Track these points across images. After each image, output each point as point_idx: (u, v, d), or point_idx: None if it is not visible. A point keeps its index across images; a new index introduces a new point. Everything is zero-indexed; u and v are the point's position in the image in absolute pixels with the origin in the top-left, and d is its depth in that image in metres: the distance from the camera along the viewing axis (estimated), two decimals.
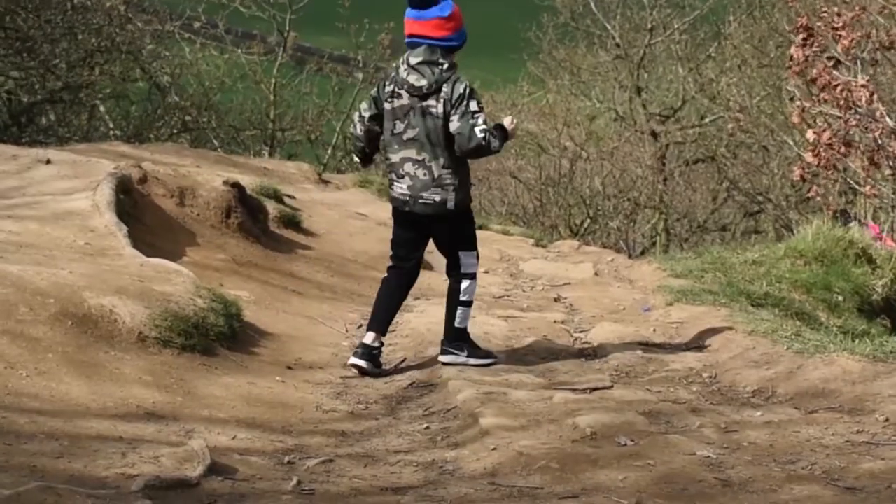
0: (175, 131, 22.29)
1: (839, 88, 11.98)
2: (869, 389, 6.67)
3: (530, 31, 29.99)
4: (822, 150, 12.02)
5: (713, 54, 27.79)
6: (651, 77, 28.95)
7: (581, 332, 8.71)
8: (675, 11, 28.14)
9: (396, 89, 7.30)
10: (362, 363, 7.38)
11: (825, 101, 12.12)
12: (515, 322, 8.48)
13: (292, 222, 11.22)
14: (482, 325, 8.48)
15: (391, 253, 7.66)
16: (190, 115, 22.55)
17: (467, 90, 7.17)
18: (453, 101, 7.15)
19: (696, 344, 8.22)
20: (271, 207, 11.06)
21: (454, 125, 7.15)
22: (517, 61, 30.61)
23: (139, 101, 22.75)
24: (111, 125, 21.96)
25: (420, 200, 7.29)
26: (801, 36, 12.41)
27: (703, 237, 26.74)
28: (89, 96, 20.88)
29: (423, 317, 8.83)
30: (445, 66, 7.22)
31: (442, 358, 7.52)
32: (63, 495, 4.52)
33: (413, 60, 7.25)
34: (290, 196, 12.31)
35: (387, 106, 7.34)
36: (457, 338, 7.52)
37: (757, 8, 26.65)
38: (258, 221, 10.55)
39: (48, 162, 10.54)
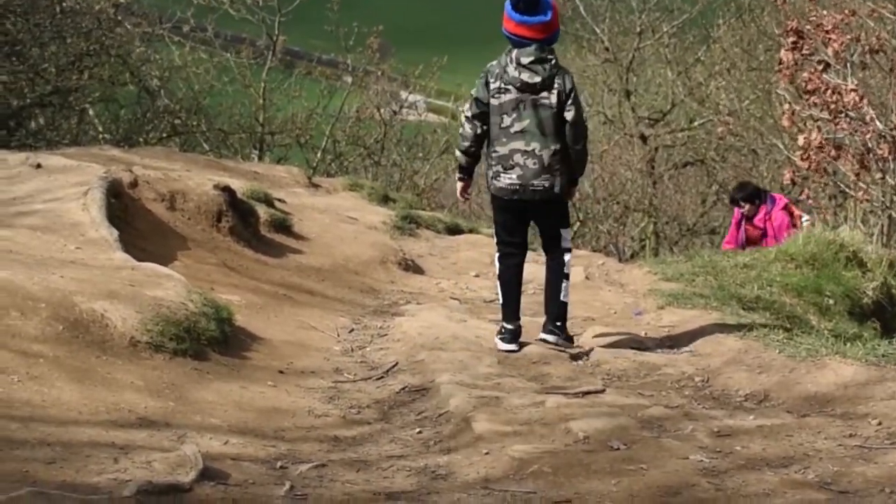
0: (164, 135, 22.20)
1: (829, 92, 12.00)
2: (861, 393, 6.68)
3: None
4: (812, 153, 12.03)
5: (702, 58, 27.80)
6: (640, 80, 28.95)
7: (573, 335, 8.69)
8: (664, 15, 28.13)
9: (503, 85, 7.73)
10: (514, 347, 7.93)
11: (815, 104, 12.13)
12: None
13: (283, 226, 11.21)
14: (474, 329, 8.48)
15: (500, 240, 8.12)
16: (179, 119, 22.47)
17: (575, 83, 7.77)
18: (567, 92, 7.67)
19: (688, 348, 8.23)
20: (262, 211, 11.05)
21: (571, 114, 7.73)
22: None
23: (128, 104, 22.65)
24: (100, 129, 21.85)
25: (530, 188, 7.77)
26: (790, 39, 12.43)
27: (692, 240, 26.76)
28: (78, 100, 20.77)
29: (414, 321, 8.82)
30: (553, 61, 7.71)
31: (546, 336, 8.02)
32: (55, 501, 4.52)
33: (525, 60, 7.69)
34: (280, 200, 12.29)
35: (493, 102, 7.77)
36: (560, 315, 8.01)
37: (746, 11, 26.66)
38: (249, 226, 10.54)
39: (38, 166, 10.52)
